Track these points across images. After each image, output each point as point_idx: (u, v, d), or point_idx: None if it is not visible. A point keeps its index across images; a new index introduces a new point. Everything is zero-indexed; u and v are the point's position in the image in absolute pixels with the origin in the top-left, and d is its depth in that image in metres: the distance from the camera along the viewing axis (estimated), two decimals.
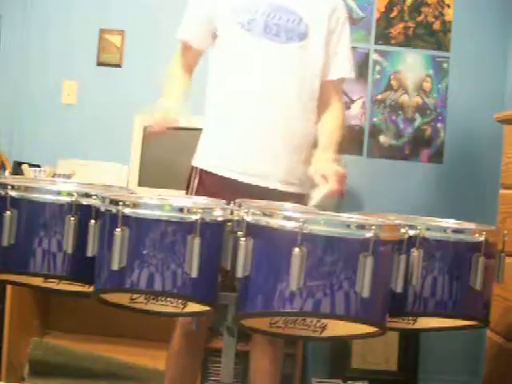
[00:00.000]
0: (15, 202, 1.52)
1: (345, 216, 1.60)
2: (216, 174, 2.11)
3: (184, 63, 2.21)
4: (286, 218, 1.43)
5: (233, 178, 2.08)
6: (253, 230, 1.44)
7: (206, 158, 2.15)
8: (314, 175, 1.96)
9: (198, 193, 2.09)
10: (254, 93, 2.09)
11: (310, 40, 2.12)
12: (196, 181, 2.14)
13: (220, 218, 1.48)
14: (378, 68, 3.43)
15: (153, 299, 1.62)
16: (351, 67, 2.25)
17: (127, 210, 1.42)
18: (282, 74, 2.10)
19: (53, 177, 2.92)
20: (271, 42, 2.08)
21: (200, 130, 2.21)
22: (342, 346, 3.24)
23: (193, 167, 2.18)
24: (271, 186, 2.10)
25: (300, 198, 2.11)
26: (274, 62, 2.09)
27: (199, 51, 2.21)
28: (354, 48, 3.39)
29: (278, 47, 2.09)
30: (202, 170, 2.14)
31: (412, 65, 3.43)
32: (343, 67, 2.22)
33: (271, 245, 1.44)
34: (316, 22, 2.13)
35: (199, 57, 2.23)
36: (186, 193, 2.16)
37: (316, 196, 1.90)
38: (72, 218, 1.51)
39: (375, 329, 1.50)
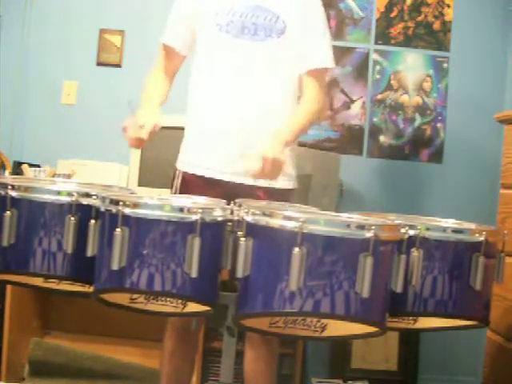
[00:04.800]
0: (15, 202, 1.52)
1: (345, 216, 1.60)
2: (198, 175, 2.12)
3: (167, 67, 2.23)
4: (285, 217, 1.43)
5: (217, 177, 2.10)
6: (253, 230, 1.44)
7: (187, 159, 2.17)
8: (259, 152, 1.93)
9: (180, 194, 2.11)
10: (234, 92, 2.10)
11: (287, 35, 2.13)
12: (179, 182, 2.16)
13: (220, 218, 1.48)
14: (378, 68, 3.43)
15: (153, 299, 1.62)
16: (330, 56, 2.21)
17: (127, 210, 1.42)
18: (263, 72, 2.12)
19: (53, 177, 2.92)
20: (250, 42, 2.11)
21: None
22: (342, 345, 3.24)
23: (176, 168, 2.20)
24: (258, 183, 2.08)
25: (288, 194, 2.12)
26: (254, 61, 2.11)
27: (182, 56, 2.22)
28: (353, 48, 3.42)
29: (257, 45, 2.11)
30: (184, 171, 2.16)
31: (412, 65, 3.43)
32: (322, 57, 2.19)
33: (271, 245, 1.44)
34: (292, 17, 2.15)
35: (181, 62, 2.24)
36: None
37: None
38: (72, 218, 1.51)
39: (375, 329, 1.50)
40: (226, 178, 2.09)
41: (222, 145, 2.10)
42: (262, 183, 2.08)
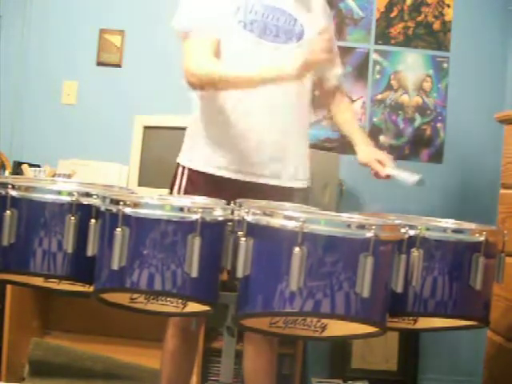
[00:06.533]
0: (15, 202, 1.52)
1: (345, 216, 1.60)
2: (212, 174, 2.10)
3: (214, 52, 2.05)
4: (286, 217, 1.43)
5: (235, 178, 2.09)
6: (253, 230, 1.44)
7: (201, 157, 2.12)
8: (371, 163, 2.10)
9: (186, 193, 2.09)
10: (256, 92, 2.08)
11: (305, 39, 2.14)
12: (184, 180, 2.13)
13: (220, 218, 1.48)
14: (377, 68, 3.43)
15: (153, 299, 1.62)
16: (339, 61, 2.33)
17: (127, 210, 1.42)
18: None
19: (53, 177, 2.92)
20: (273, 44, 2.10)
21: None
22: (341, 345, 3.24)
23: (179, 165, 2.16)
24: (282, 184, 2.13)
25: (304, 192, 2.16)
26: (276, 62, 2.10)
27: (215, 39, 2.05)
28: (353, 48, 3.42)
29: (279, 48, 2.11)
30: (190, 169, 2.13)
31: (412, 65, 3.44)
32: (339, 63, 2.31)
33: (271, 244, 1.44)
34: (309, 22, 2.16)
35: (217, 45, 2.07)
36: (171, 192, 2.15)
37: (407, 175, 2.02)
38: (72, 218, 1.50)
39: (375, 329, 1.49)
40: (254, 179, 2.09)
41: (244, 145, 2.08)
42: (287, 184, 2.13)
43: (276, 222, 1.43)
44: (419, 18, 3.43)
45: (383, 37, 3.43)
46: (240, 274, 1.44)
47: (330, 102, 2.34)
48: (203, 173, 2.11)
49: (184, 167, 2.15)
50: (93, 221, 1.50)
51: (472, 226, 1.66)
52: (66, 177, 2.91)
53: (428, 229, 1.56)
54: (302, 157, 2.20)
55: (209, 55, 2.02)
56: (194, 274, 1.41)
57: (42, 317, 3.15)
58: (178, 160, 2.17)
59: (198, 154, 2.14)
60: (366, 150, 2.15)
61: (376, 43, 3.43)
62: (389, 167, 2.08)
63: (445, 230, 1.58)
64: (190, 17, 2.09)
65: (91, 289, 1.52)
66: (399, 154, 3.42)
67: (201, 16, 2.08)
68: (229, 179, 2.08)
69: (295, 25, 2.13)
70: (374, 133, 3.42)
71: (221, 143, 2.11)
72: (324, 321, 1.61)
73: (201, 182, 2.10)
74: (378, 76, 3.43)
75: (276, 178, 2.12)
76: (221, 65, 2.03)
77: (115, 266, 1.41)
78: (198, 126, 2.15)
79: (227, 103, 2.09)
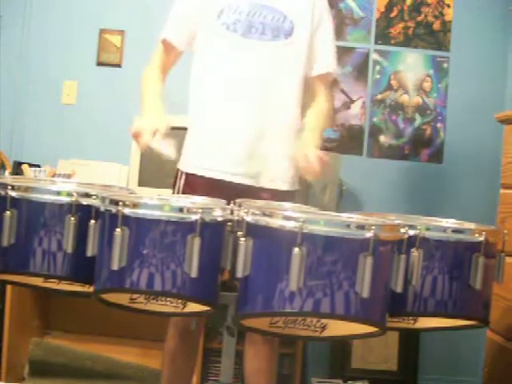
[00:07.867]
0: (15, 202, 1.52)
1: (345, 216, 1.60)
2: (203, 176, 2.10)
3: (164, 64, 2.20)
4: (285, 217, 1.43)
5: (226, 179, 2.09)
6: (253, 230, 1.44)
7: (191, 161, 2.14)
8: (298, 155, 1.98)
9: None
10: (241, 92, 2.09)
11: (295, 36, 2.13)
12: (182, 183, 2.14)
13: (220, 218, 1.48)
14: (377, 68, 3.43)
15: (153, 299, 1.62)
16: (335, 61, 2.25)
17: (127, 210, 1.42)
18: (271, 72, 2.10)
19: (53, 177, 2.92)
20: (258, 42, 2.09)
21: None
22: (342, 346, 3.24)
23: (178, 169, 2.17)
24: (263, 185, 2.11)
25: (291, 195, 2.13)
26: (262, 61, 2.10)
27: (180, 53, 2.20)
28: (353, 48, 3.42)
29: (265, 45, 2.10)
30: (187, 173, 2.14)
31: (412, 65, 3.44)
32: (329, 61, 2.23)
33: (271, 245, 1.44)
34: (300, 19, 2.14)
35: (178, 58, 2.22)
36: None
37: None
38: (72, 218, 1.51)
39: (375, 329, 1.50)
40: (235, 179, 2.08)
41: (229, 146, 2.09)
42: (269, 185, 2.10)
43: (275, 222, 1.43)
44: (419, 18, 3.43)
45: (383, 37, 3.43)
46: (240, 274, 1.44)
47: (309, 101, 2.24)
48: (197, 175, 2.12)
49: (182, 172, 2.16)
50: (92, 221, 1.50)
51: (472, 225, 1.66)
52: (65, 177, 2.91)
53: (428, 229, 1.56)
54: (285, 158, 2.13)
55: (154, 68, 2.20)
56: (194, 274, 1.41)
57: (42, 317, 3.15)
58: (177, 165, 2.18)
59: (190, 157, 2.15)
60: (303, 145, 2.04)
61: (376, 43, 3.43)
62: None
63: (445, 230, 1.58)
64: (169, 28, 2.18)
65: (91, 289, 1.52)
66: (399, 154, 3.42)
67: (178, 28, 2.17)
68: (222, 181, 2.08)
69: (284, 21, 2.11)
70: (374, 133, 3.42)
71: (207, 146, 2.12)
72: (324, 321, 1.61)
73: (197, 185, 2.10)
74: (377, 76, 3.43)
75: (254, 179, 2.10)
76: (154, 81, 2.19)
77: (115, 267, 1.42)
78: (189, 129, 2.17)
79: (208, 106, 2.12)
